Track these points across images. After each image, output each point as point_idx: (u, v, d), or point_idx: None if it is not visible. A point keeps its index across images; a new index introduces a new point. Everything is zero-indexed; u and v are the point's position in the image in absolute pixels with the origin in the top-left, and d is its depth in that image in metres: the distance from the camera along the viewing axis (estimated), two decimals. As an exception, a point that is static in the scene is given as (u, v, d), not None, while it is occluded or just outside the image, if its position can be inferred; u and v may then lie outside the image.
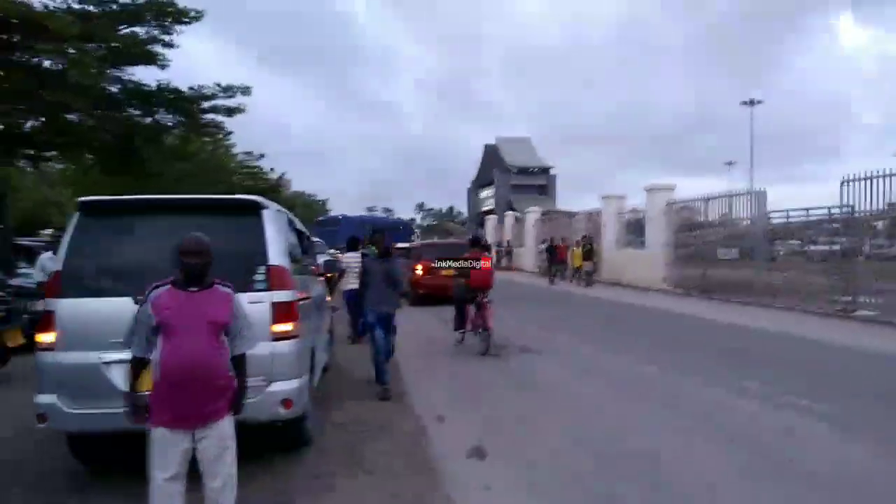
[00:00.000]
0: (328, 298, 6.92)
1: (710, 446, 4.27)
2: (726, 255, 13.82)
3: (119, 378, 3.41)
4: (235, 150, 29.53)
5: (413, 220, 75.86)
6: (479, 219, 53.01)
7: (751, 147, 45.64)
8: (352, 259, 8.50)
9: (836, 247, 10.99)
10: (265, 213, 3.96)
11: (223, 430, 2.66)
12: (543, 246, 22.65)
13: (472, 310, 7.74)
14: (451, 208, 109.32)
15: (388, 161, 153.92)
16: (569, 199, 68.46)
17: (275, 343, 3.72)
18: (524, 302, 13.82)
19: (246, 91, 15.53)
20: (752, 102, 44.42)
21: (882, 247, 11.39)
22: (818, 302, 11.00)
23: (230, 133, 17.76)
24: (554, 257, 20.26)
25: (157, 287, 2.67)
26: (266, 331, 3.68)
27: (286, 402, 3.73)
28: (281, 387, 3.73)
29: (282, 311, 3.77)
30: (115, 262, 3.75)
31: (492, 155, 59.09)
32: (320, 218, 31.71)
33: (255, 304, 3.65)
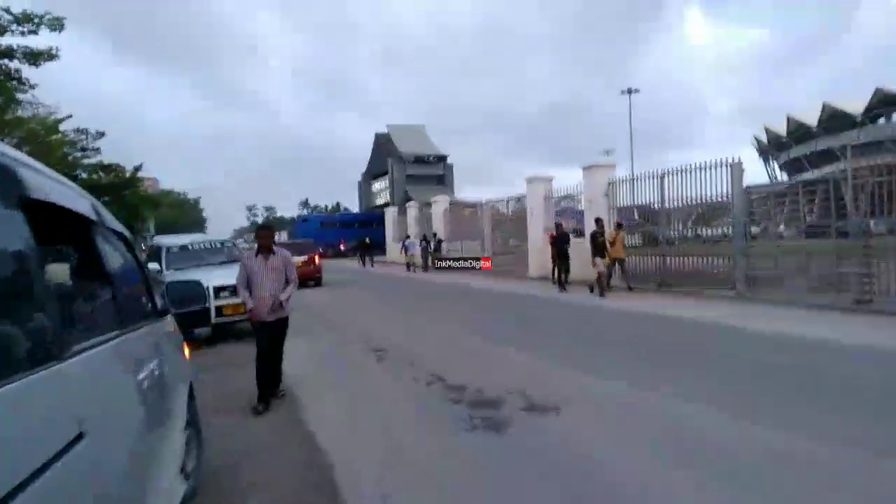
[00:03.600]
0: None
1: None
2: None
3: None
4: (65, 127, 22.95)
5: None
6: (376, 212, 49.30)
7: (630, 135, 47.20)
8: None
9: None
10: None
11: None
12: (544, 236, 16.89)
13: None
14: (337, 204, 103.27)
15: (265, 157, 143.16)
16: (461, 189, 66.85)
17: None
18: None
19: (56, 25, 10.60)
20: (629, 91, 45.70)
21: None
22: (827, 293, 9.28)
23: (34, 87, 12.45)
24: (563, 253, 13.92)
25: None
26: None
27: None
28: None
29: None
30: None
31: (384, 144, 55.35)
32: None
33: None
